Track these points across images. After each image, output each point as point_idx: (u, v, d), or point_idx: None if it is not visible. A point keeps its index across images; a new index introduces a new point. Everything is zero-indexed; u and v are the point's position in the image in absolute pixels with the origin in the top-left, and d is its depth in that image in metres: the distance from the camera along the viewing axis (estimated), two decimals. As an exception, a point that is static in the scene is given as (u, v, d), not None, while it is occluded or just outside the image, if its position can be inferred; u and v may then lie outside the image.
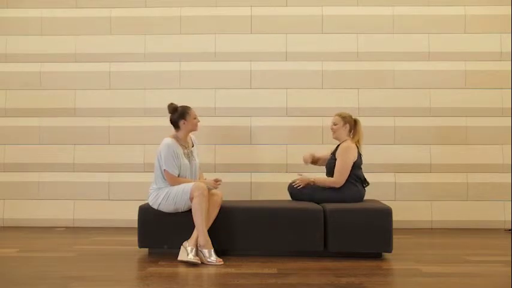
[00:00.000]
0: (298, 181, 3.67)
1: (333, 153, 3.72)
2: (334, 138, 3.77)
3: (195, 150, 3.62)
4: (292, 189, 3.75)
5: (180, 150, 3.44)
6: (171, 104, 3.55)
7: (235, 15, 4.75)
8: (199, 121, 3.58)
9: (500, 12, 4.68)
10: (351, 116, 3.73)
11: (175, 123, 3.52)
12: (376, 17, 4.74)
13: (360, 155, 3.63)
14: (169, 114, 3.54)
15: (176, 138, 3.51)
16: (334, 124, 3.72)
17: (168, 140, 3.44)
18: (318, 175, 3.73)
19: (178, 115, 3.51)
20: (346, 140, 3.67)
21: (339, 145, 3.70)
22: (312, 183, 3.62)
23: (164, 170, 3.39)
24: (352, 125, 3.71)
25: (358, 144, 3.67)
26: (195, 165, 3.55)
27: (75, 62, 4.77)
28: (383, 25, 4.73)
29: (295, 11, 4.75)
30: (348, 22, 4.74)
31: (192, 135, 3.67)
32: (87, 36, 4.79)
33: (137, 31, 4.77)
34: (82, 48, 4.78)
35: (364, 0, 4.75)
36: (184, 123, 3.50)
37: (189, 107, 3.56)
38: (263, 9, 4.76)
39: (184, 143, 3.54)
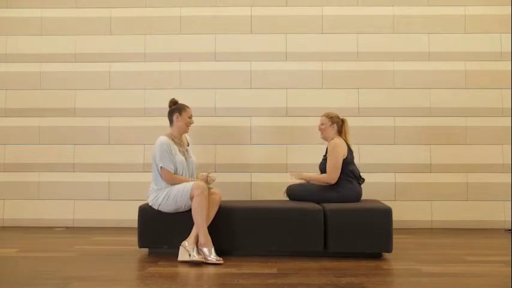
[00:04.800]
0: (292, 175, 3.71)
1: (325, 155, 3.73)
2: (322, 138, 3.80)
3: (190, 149, 3.63)
4: (289, 191, 3.77)
5: (175, 147, 3.45)
6: (173, 99, 3.59)
7: (235, 15, 4.75)
8: (193, 122, 3.58)
9: (500, 12, 4.68)
10: (338, 116, 3.73)
11: (170, 117, 3.54)
12: (376, 17, 4.74)
13: (350, 151, 3.65)
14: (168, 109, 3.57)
15: (170, 136, 3.51)
16: (322, 124, 3.75)
17: (162, 138, 3.44)
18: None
19: (175, 109, 3.53)
20: (333, 138, 3.67)
21: None
22: (306, 181, 3.66)
23: (160, 167, 3.38)
24: (340, 124, 3.72)
25: (347, 142, 3.67)
26: (191, 163, 3.55)
27: (75, 62, 4.77)
28: (383, 25, 4.73)
29: (295, 11, 4.75)
30: (348, 22, 4.73)
31: (187, 135, 3.67)
32: (87, 36, 4.79)
33: (137, 31, 4.77)
34: (82, 48, 4.78)
35: (364, 0, 4.75)
36: (177, 117, 3.50)
37: (187, 106, 3.57)
38: (263, 9, 4.76)
39: (179, 141, 3.54)
